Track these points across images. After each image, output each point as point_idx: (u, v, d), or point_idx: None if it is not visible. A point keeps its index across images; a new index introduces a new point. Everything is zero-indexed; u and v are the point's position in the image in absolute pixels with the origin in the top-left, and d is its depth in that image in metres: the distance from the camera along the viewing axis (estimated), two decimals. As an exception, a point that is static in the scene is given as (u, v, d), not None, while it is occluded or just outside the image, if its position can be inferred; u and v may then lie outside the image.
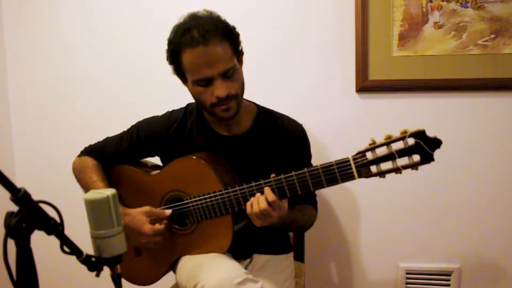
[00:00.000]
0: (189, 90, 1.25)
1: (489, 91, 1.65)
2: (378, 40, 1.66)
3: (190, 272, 1.20)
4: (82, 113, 1.90)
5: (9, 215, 0.70)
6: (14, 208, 0.71)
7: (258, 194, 1.14)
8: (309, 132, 1.41)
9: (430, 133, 1.02)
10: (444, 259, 1.76)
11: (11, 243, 0.70)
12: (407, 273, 1.77)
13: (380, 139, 1.72)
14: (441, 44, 1.63)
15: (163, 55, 1.80)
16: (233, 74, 1.19)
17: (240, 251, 1.31)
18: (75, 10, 1.85)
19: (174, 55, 1.21)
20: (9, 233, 0.69)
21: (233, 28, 1.21)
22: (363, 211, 1.79)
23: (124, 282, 0.88)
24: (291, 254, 1.47)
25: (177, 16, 1.77)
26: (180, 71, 1.23)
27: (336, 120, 1.74)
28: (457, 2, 1.61)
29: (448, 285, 1.75)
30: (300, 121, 1.41)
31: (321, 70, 1.73)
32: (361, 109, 1.72)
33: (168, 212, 1.26)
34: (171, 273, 1.39)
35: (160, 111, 1.42)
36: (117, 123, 1.44)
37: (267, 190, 1.13)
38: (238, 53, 1.23)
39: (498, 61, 1.61)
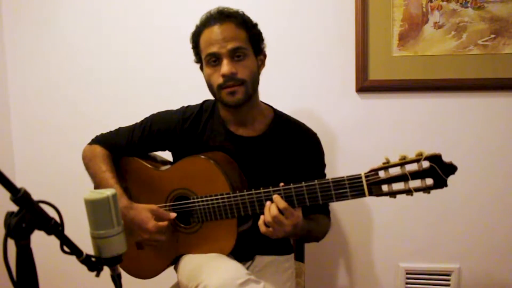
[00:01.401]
0: (204, 76, 1.28)
1: (489, 91, 1.65)
2: (378, 40, 1.66)
3: (192, 272, 1.20)
4: (82, 112, 1.89)
5: (9, 215, 0.70)
6: (14, 208, 0.71)
7: (268, 203, 1.12)
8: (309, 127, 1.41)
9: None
10: (444, 259, 1.76)
11: (11, 243, 0.70)
12: (407, 273, 1.77)
13: (380, 140, 1.71)
14: (441, 44, 1.63)
15: (164, 55, 1.82)
16: (243, 59, 1.22)
17: (242, 252, 1.31)
18: (75, 10, 1.85)
19: (195, 38, 1.27)
20: (9, 233, 0.69)
21: (255, 24, 1.28)
22: (363, 211, 1.78)
23: (124, 280, 0.88)
24: (292, 255, 1.47)
25: (177, 16, 1.79)
26: (198, 55, 1.28)
27: (336, 120, 1.74)
28: (457, 2, 1.61)
29: (448, 285, 1.75)
30: (299, 120, 1.41)
31: (321, 70, 1.73)
32: (361, 109, 1.72)
33: (173, 215, 1.26)
34: (172, 272, 1.39)
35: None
36: (117, 123, 1.44)
37: (276, 197, 1.11)
38: (254, 47, 1.27)
39: (498, 61, 1.61)
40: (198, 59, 1.30)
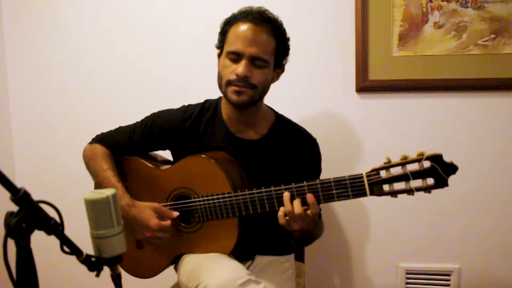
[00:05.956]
0: (218, 64, 1.27)
1: (489, 91, 1.65)
2: (378, 40, 1.66)
3: (192, 272, 1.20)
4: (82, 113, 1.89)
5: (9, 215, 0.70)
6: (14, 208, 0.71)
7: (287, 194, 1.12)
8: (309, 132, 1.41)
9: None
10: (444, 259, 1.76)
11: (11, 243, 0.70)
12: (407, 273, 1.77)
13: (381, 140, 1.71)
14: (441, 44, 1.63)
15: (165, 56, 1.82)
16: (262, 68, 1.22)
17: (242, 252, 1.31)
18: (75, 11, 1.85)
19: (226, 25, 1.25)
20: (9, 233, 0.69)
21: (287, 38, 1.29)
22: (363, 211, 1.78)
23: (124, 280, 0.88)
24: (293, 255, 1.47)
25: (177, 17, 1.79)
26: (222, 43, 1.26)
27: (336, 120, 1.74)
28: (457, 2, 1.61)
29: (448, 285, 1.75)
30: (299, 121, 1.41)
31: (321, 70, 1.73)
32: (361, 109, 1.72)
33: (176, 214, 1.26)
34: (172, 272, 1.39)
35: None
36: (117, 123, 1.44)
37: (311, 199, 1.11)
38: (277, 60, 1.26)
39: (498, 61, 1.61)
40: (220, 46, 1.28)
